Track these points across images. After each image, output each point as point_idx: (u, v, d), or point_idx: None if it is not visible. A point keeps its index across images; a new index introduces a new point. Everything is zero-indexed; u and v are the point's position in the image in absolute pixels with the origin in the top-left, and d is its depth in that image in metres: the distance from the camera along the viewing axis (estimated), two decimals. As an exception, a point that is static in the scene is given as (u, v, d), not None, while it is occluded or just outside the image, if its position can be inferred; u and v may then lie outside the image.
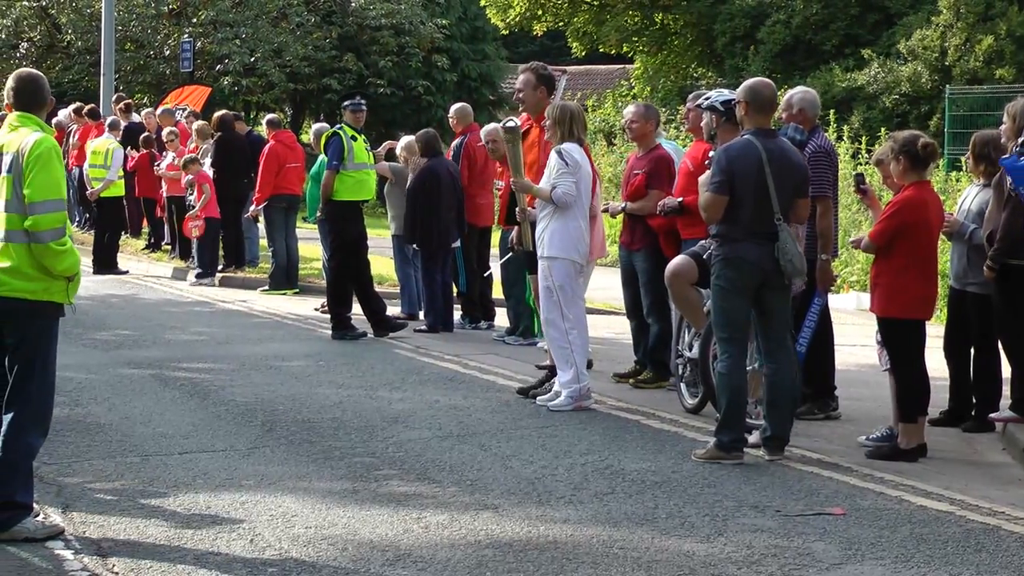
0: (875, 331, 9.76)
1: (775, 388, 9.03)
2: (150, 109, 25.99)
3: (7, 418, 6.99)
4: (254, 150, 20.13)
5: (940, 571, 6.77)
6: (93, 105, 26.22)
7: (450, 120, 15.91)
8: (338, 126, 15.08)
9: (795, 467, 8.88)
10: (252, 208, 19.04)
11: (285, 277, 18.79)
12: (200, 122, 21.28)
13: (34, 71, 7.50)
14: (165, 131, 21.91)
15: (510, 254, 13.14)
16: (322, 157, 15.42)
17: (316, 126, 18.02)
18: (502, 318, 15.16)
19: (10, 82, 7.30)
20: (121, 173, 21.82)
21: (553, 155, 10.65)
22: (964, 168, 18.53)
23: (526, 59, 45.96)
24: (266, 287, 18.81)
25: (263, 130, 20.58)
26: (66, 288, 7.07)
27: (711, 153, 9.66)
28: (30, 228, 6.90)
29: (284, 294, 18.50)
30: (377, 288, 15.49)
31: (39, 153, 6.97)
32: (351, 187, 14.67)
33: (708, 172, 9.32)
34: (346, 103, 15.21)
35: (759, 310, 9.04)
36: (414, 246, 15.34)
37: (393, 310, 15.43)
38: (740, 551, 6.96)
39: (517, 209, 11.33)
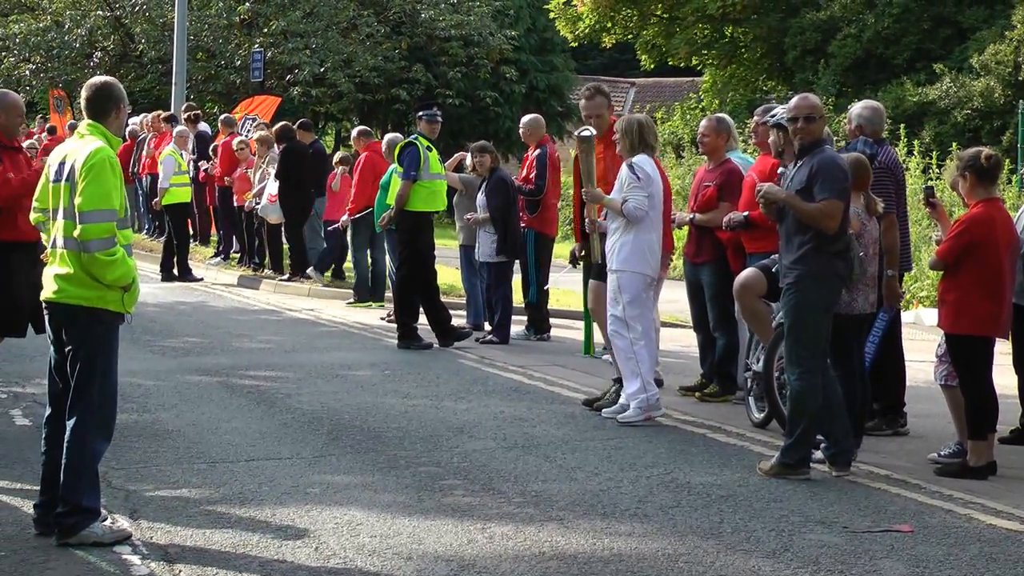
0: (936, 345, 9.69)
1: (841, 401, 8.94)
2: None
3: (70, 423, 7.04)
4: (317, 160, 20.21)
5: (1010, 591, 6.71)
6: (172, 112, 26.40)
7: (521, 132, 15.75)
8: (413, 136, 14.96)
9: (862, 483, 8.81)
10: (343, 219, 18.79)
11: (367, 289, 18.69)
12: (261, 131, 21.33)
13: (107, 79, 7.49)
14: (235, 142, 22.03)
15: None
16: (393, 166, 15.41)
17: (388, 136, 17.86)
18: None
19: (84, 91, 7.36)
20: (186, 180, 21.97)
21: (624, 168, 10.60)
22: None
23: (595, 71, 45.80)
24: (351, 300, 18.75)
25: (329, 141, 20.54)
26: (121, 298, 7.10)
27: (780, 169, 9.60)
28: (79, 237, 6.95)
29: (369, 307, 18.36)
30: (443, 298, 15.50)
31: (93, 163, 7.01)
32: (425, 198, 14.64)
33: (767, 186, 9.13)
34: (422, 113, 15.04)
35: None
36: (499, 257, 15.25)
37: (458, 320, 15.45)
38: (806, 567, 6.91)
39: (587, 220, 11.30)
